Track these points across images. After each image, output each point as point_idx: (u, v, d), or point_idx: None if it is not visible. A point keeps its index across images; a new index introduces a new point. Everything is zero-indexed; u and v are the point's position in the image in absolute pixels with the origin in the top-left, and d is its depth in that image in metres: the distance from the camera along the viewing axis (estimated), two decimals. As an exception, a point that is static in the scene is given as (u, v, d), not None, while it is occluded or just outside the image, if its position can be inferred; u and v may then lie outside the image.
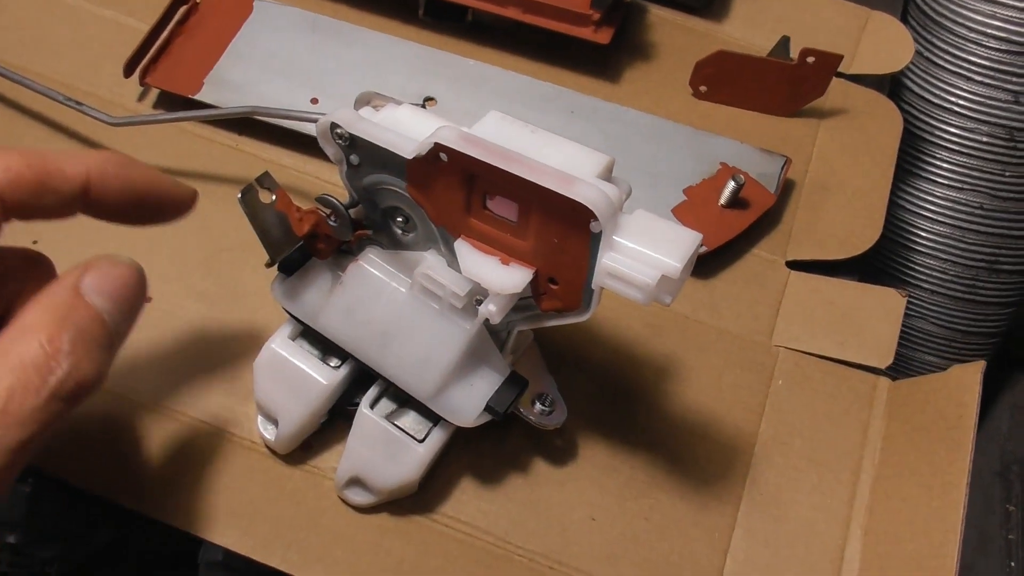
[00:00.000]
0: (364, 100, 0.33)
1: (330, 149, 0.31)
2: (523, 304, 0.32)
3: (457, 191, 0.29)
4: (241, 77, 0.46)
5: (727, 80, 0.50)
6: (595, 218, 0.26)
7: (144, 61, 0.45)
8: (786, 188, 0.47)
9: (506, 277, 0.30)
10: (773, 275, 0.44)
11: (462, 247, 0.31)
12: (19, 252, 0.29)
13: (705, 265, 0.44)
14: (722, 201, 0.44)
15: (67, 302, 0.25)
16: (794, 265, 0.45)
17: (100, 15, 0.49)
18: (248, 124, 0.46)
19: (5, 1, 0.49)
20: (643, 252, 0.27)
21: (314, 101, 0.45)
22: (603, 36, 0.48)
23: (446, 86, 0.47)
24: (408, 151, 0.29)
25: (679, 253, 0.27)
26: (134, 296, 0.27)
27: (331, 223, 0.33)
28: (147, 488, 0.35)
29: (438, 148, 0.28)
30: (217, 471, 0.36)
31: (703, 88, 0.50)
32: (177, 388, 0.38)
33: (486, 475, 0.37)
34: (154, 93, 0.47)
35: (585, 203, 0.26)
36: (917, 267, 0.73)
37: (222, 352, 0.39)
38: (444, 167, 0.29)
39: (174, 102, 0.47)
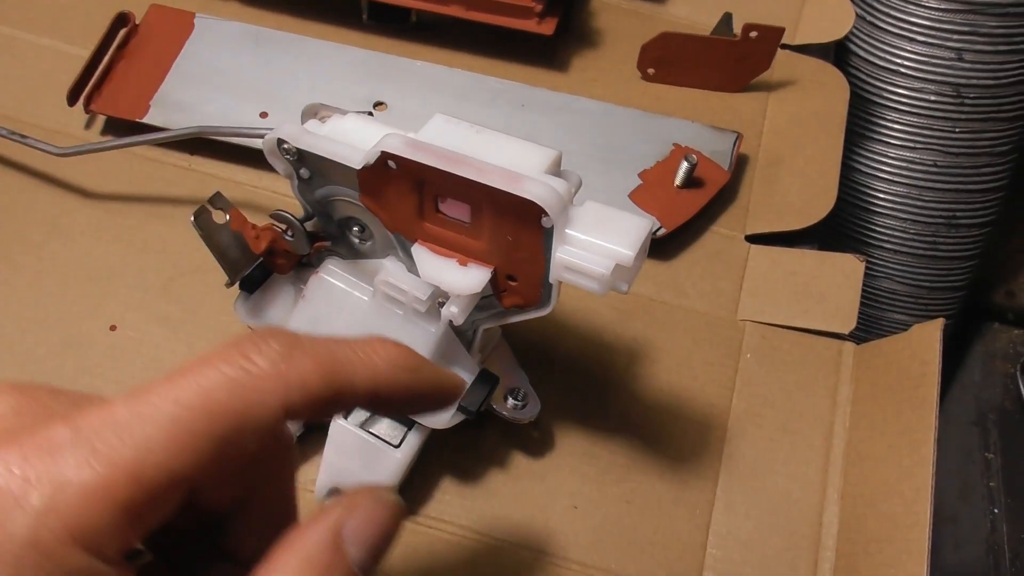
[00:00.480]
0: (311, 112, 0.33)
1: (279, 165, 0.31)
2: (485, 303, 0.32)
3: (409, 197, 0.29)
4: (188, 96, 0.45)
5: (674, 61, 0.50)
6: (545, 213, 0.26)
7: (87, 88, 0.45)
8: (740, 163, 0.48)
9: (465, 278, 0.30)
10: (733, 251, 0.45)
11: (419, 252, 0.31)
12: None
13: (666, 246, 0.44)
14: (677, 182, 0.44)
15: (326, 559, 0.21)
16: (753, 239, 0.46)
17: (38, 44, 0.49)
18: (200, 143, 0.45)
19: (-61, 38, 0.49)
20: (595, 243, 0.27)
21: (263, 115, 0.45)
22: (547, 27, 0.48)
23: (395, 89, 0.47)
24: (356, 161, 0.29)
25: (631, 241, 0.27)
26: (389, 544, 0.22)
27: (288, 238, 0.33)
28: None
29: (385, 156, 0.28)
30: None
31: (651, 71, 0.51)
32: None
33: (466, 473, 0.38)
34: (101, 120, 0.47)
35: (534, 199, 0.26)
36: (877, 228, 0.74)
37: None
38: (394, 174, 0.29)
39: (121, 127, 0.46)
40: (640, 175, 0.45)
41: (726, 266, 0.44)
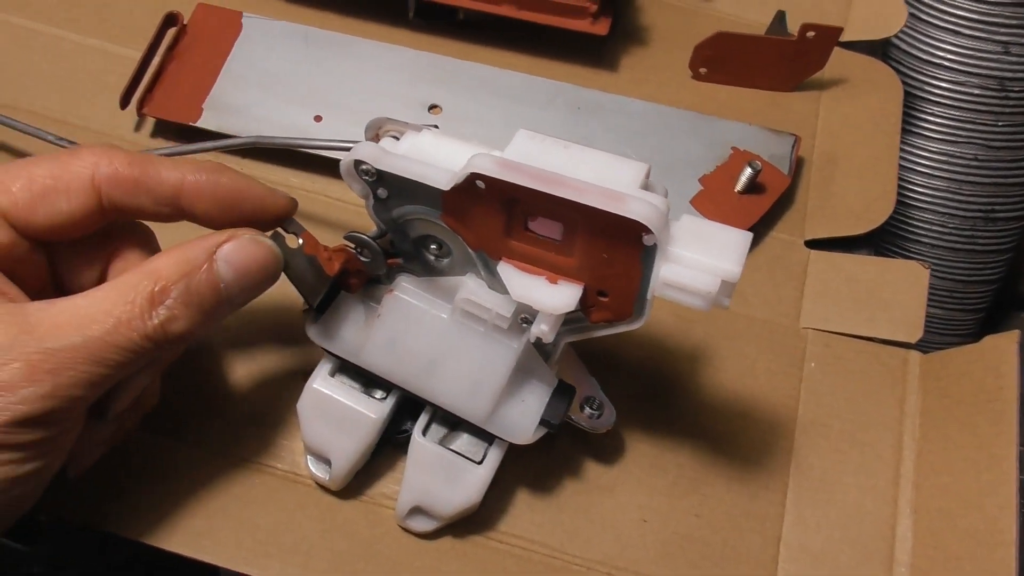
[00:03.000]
0: (375, 126, 0.32)
1: (356, 186, 0.30)
2: (571, 317, 0.32)
3: (496, 216, 0.29)
4: (240, 99, 0.45)
5: (727, 60, 0.49)
6: (648, 232, 0.26)
7: (139, 91, 0.44)
8: (798, 167, 0.47)
9: (556, 296, 0.29)
10: (794, 256, 0.44)
11: (507, 270, 0.30)
12: (119, 225, 0.32)
13: (726, 252, 0.44)
14: (739, 187, 0.43)
15: (195, 261, 0.28)
16: (813, 244, 0.45)
17: (85, 44, 0.48)
18: (255, 149, 0.44)
19: (-18, 39, 0.48)
20: (700, 260, 0.27)
21: (318, 119, 0.44)
22: (601, 27, 0.47)
23: (447, 91, 0.46)
24: (443, 183, 0.28)
25: (736, 256, 0.27)
26: (260, 277, 0.29)
27: (363, 259, 0.32)
28: (191, 531, 0.35)
29: (474, 177, 0.27)
30: (264, 508, 0.36)
31: (703, 70, 0.50)
32: (212, 426, 0.37)
33: (537, 485, 0.37)
34: (150, 122, 0.46)
35: (639, 219, 0.25)
36: (914, 223, 0.73)
37: (255, 388, 0.39)
38: (481, 194, 0.28)
39: (171, 131, 0.45)
40: (701, 180, 0.44)
41: (787, 272, 0.44)
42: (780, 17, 0.50)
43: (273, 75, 0.46)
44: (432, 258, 0.33)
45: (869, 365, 0.41)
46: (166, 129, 0.45)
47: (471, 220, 0.30)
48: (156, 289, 0.27)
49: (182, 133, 0.45)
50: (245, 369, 0.39)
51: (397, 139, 0.31)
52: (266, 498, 0.36)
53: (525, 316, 0.32)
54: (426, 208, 0.30)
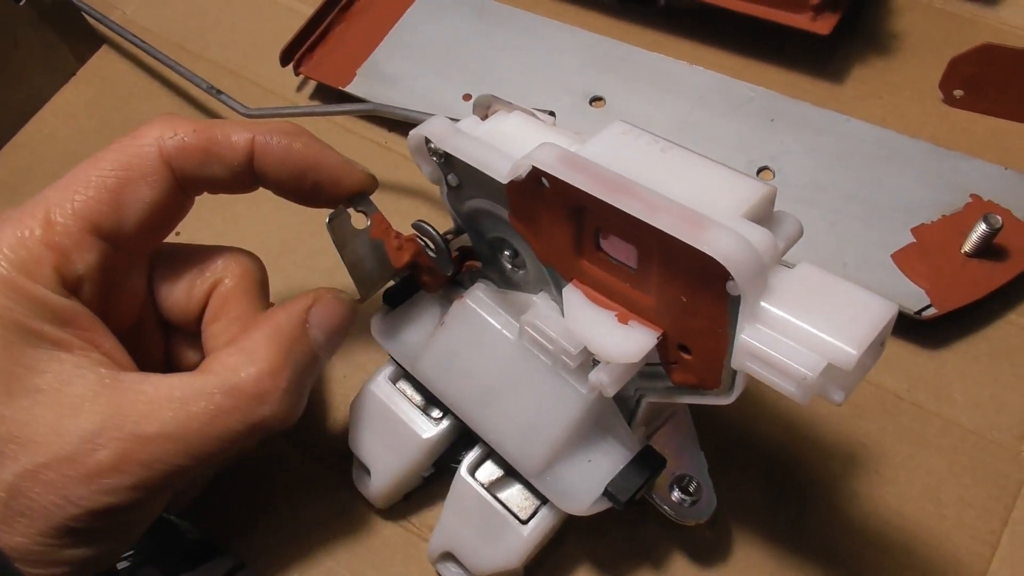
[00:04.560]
0: (483, 104, 0.27)
1: (426, 167, 0.25)
2: (653, 371, 0.24)
3: (565, 225, 0.22)
4: (395, 68, 0.42)
5: (993, 82, 0.37)
6: (730, 277, 0.18)
7: (301, 50, 0.43)
8: (1068, 233, 0.35)
9: (621, 340, 0.22)
10: (1035, 352, 0.33)
11: (571, 295, 0.24)
12: (223, 249, 0.29)
13: (935, 331, 0.33)
14: (967, 248, 0.32)
15: (294, 334, 0.25)
16: (1069, 341, 0.33)
17: (275, 1, 0.48)
18: (400, 121, 0.41)
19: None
20: (802, 328, 0.18)
21: (466, 97, 0.40)
22: (824, 25, 0.38)
23: (619, 83, 0.40)
24: (503, 174, 0.22)
25: (858, 332, 0.18)
26: (344, 334, 0.27)
27: (430, 253, 0.28)
28: (228, 520, 0.32)
29: (537, 172, 0.21)
30: (308, 501, 0.32)
31: (958, 93, 0.39)
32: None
33: (609, 567, 0.30)
34: (313, 84, 0.44)
35: (714, 255, 0.18)
36: None
37: (324, 374, 0.35)
38: (547, 195, 0.22)
39: (330, 94, 0.44)
40: (914, 231, 0.34)
41: (1019, 372, 0.32)
42: (1086, 34, 0.37)
43: (436, 46, 0.42)
44: (508, 266, 0.27)
45: (1119, 527, 0.29)
46: (326, 92, 0.44)
47: (539, 226, 0.23)
48: (265, 374, 0.24)
49: (340, 98, 0.43)
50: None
51: (482, 122, 0.26)
52: (305, 493, 0.32)
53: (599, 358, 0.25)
54: (497, 205, 0.25)
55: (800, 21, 0.38)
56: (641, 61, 0.40)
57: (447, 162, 0.25)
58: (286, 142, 0.26)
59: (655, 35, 0.43)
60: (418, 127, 0.25)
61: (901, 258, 0.33)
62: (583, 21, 0.43)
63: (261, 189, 0.28)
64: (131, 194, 0.25)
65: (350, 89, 0.41)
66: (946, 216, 0.34)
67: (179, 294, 0.28)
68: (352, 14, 0.44)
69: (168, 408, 0.23)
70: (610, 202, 0.19)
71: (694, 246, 0.18)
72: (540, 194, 0.22)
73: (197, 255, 0.28)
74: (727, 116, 0.38)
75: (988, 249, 0.32)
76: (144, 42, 0.44)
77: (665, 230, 0.18)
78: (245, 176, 0.27)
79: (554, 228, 0.23)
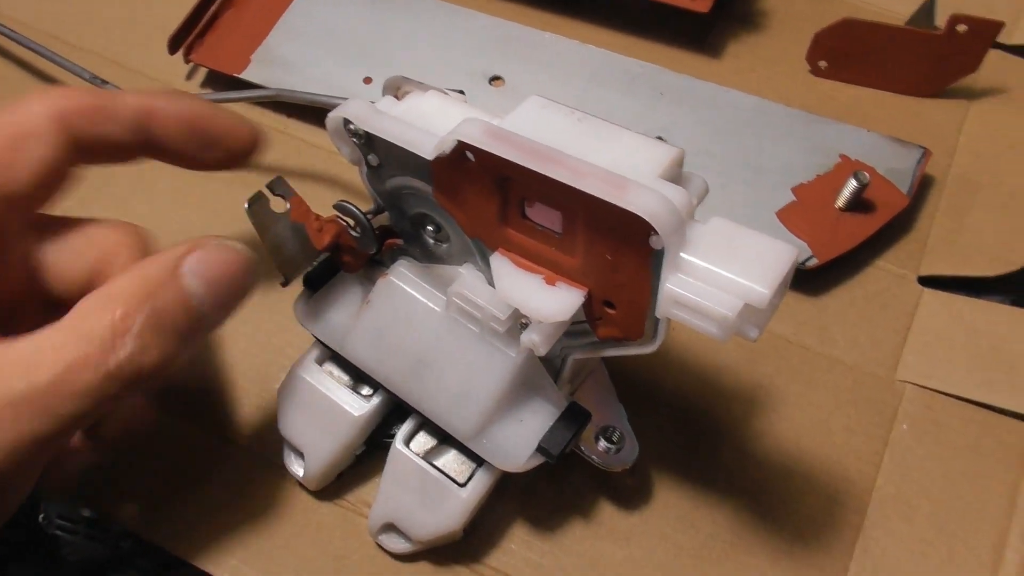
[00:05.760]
0: (393, 86, 0.27)
1: (345, 149, 0.26)
2: (578, 329, 0.26)
3: (490, 197, 0.24)
4: (291, 53, 0.42)
5: (854, 54, 0.41)
6: (655, 232, 0.20)
7: (190, 37, 0.42)
8: (922, 187, 0.39)
9: (550, 301, 0.24)
10: (901, 293, 0.37)
11: (499, 263, 0.25)
12: (113, 221, 0.28)
13: (816, 279, 0.36)
14: (840, 203, 0.36)
15: (158, 279, 0.24)
16: (929, 282, 0.37)
17: (153, -13, 0.46)
18: (298, 106, 0.41)
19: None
20: (719, 274, 0.21)
21: (367, 81, 0.40)
22: (703, 4, 0.41)
23: (517, 63, 0.41)
24: (428, 150, 0.23)
25: (768, 274, 0.20)
26: (237, 286, 0.25)
27: (353, 234, 0.28)
28: (153, 513, 0.32)
29: (462, 146, 0.22)
30: (230, 492, 0.32)
31: (823, 64, 0.42)
32: (190, 400, 0.34)
33: (540, 520, 0.32)
34: (203, 71, 0.43)
35: (640, 213, 0.20)
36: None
37: (244, 361, 0.35)
38: (472, 168, 0.23)
39: (223, 81, 0.43)
40: (794, 190, 0.37)
41: (889, 312, 0.36)
42: (928, 7, 0.41)
43: (331, 30, 0.42)
44: (431, 241, 0.28)
45: (979, 438, 0.33)
46: (217, 79, 0.43)
47: (463, 200, 0.25)
48: (117, 317, 0.22)
49: (231, 84, 0.42)
50: (244, 340, 0.36)
51: (399, 102, 0.27)
52: (236, 484, 0.33)
53: (525, 322, 0.26)
54: (419, 181, 0.26)
55: (681, 0, 0.41)
56: (536, 41, 0.42)
57: (368, 143, 0.25)
58: (176, 97, 0.27)
59: (547, 16, 0.44)
60: (336, 109, 0.25)
61: (784, 215, 0.36)
62: (475, 3, 0.45)
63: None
64: (23, 152, 0.25)
65: (245, 76, 0.41)
66: (820, 176, 0.37)
67: (63, 265, 0.27)
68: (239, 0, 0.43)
69: (19, 367, 0.22)
70: (539, 171, 0.21)
71: (620, 206, 0.20)
72: (465, 168, 0.23)
73: (84, 226, 0.27)
74: (620, 91, 0.40)
75: (858, 203, 0.36)
76: (15, 32, 0.42)
77: (592, 193, 0.20)
78: (139, 136, 0.27)
79: (479, 200, 0.24)
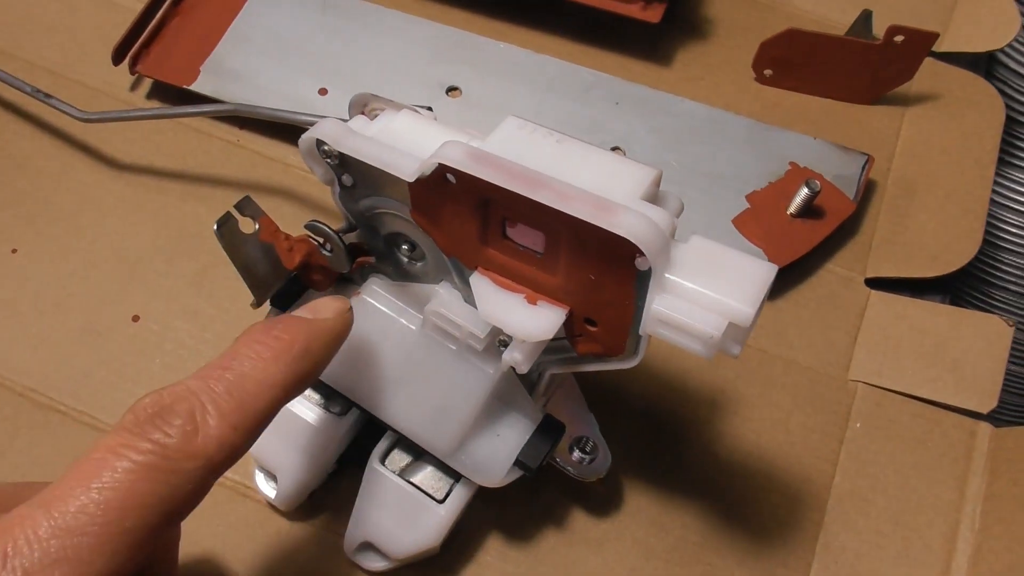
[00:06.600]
0: (360, 103, 0.27)
1: (318, 169, 0.26)
2: (557, 345, 0.26)
3: (470, 218, 0.24)
4: (242, 64, 0.41)
5: (797, 63, 0.43)
6: (641, 254, 0.20)
7: (135, 47, 0.40)
8: (866, 191, 0.40)
9: (532, 320, 0.24)
10: (851, 296, 0.38)
11: (479, 283, 0.25)
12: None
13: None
14: (792, 210, 0.37)
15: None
16: (875, 283, 0.38)
17: (91, -6, 0.45)
18: (250, 118, 0.40)
19: (-9, -20, 0.45)
20: (704, 294, 0.21)
21: (322, 92, 0.40)
22: (653, 14, 0.41)
23: (472, 73, 0.41)
24: (409, 173, 0.23)
25: (750, 292, 0.21)
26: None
27: (325, 252, 0.28)
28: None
29: (443, 169, 0.22)
30: (203, 521, 0.32)
31: (768, 72, 0.44)
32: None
33: (514, 531, 0.32)
34: (148, 82, 0.42)
35: (628, 236, 0.20)
36: (1004, 267, 0.65)
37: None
38: (453, 190, 0.23)
39: (170, 93, 0.42)
40: (748, 197, 0.38)
41: (840, 313, 0.38)
42: (866, 17, 0.43)
43: (282, 41, 0.41)
44: (405, 260, 0.28)
45: (927, 434, 0.35)
46: (164, 91, 0.42)
47: (442, 220, 0.25)
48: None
49: (181, 96, 0.41)
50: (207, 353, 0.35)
51: (372, 122, 0.27)
52: (208, 511, 0.32)
53: (503, 339, 0.26)
54: (394, 202, 0.25)
55: (632, 10, 0.41)
56: (491, 51, 0.42)
57: (342, 163, 0.25)
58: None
59: (500, 25, 0.45)
60: (310, 130, 0.25)
61: (740, 222, 0.37)
62: (426, 11, 0.44)
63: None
64: None
65: (196, 87, 0.40)
66: (772, 183, 0.38)
67: None
68: (185, 8, 0.42)
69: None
70: (525, 194, 0.21)
71: (608, 229, 0.20)
72: (445, 190, 0.23)
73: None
74: (577, 101, 0.41)
75: (809, 210, 0.37)
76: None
77: (580, 217, 0.20)
78: None
79: (459, 221, 0.24)
